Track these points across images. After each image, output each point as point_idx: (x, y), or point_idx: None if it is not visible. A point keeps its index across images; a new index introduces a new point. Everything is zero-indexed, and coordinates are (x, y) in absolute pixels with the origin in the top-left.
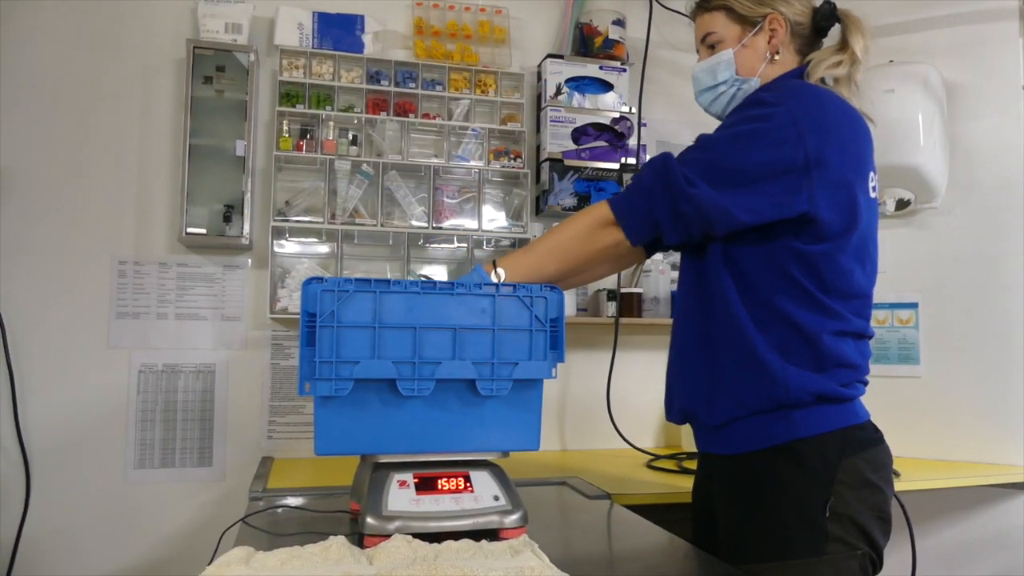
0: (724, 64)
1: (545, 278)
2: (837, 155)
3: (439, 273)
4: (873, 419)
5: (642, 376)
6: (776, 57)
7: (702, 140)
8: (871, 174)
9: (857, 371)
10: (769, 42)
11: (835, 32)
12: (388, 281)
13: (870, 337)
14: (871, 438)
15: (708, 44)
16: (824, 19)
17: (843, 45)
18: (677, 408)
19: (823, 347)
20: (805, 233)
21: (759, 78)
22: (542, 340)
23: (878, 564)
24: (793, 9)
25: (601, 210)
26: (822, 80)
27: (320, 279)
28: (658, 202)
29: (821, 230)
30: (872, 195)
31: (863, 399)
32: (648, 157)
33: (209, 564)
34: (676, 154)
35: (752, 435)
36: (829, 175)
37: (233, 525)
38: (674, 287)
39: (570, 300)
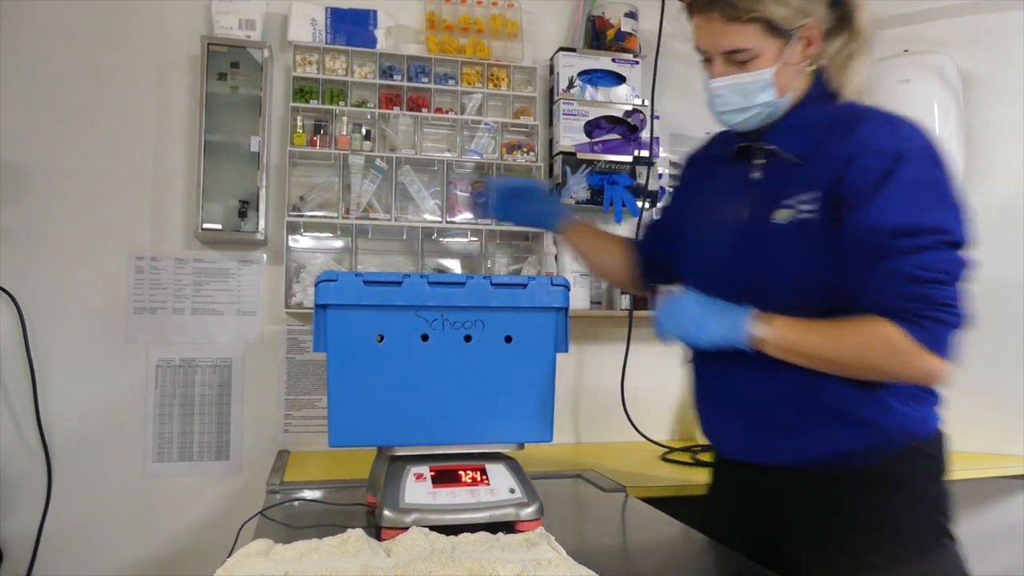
0: (762, 85)
1: (802, 361)
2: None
3: (454, 267)
4: None
5: (656, 369)
6: (809, 68)
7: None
8: None
9: None
10: (804, 51)
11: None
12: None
13: None
14: None
15: (738, 60)
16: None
17: (849, 27)
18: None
19: None
20: None
21: (792, 93)
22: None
23: None
24: (824, 8)
25: (902, 340)
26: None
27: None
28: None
29: None
30: None
31: None
32: (660, 150)
33: (229, 557)
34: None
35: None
36: None
37: (251, 518)
38: None
39: (584, 293)
